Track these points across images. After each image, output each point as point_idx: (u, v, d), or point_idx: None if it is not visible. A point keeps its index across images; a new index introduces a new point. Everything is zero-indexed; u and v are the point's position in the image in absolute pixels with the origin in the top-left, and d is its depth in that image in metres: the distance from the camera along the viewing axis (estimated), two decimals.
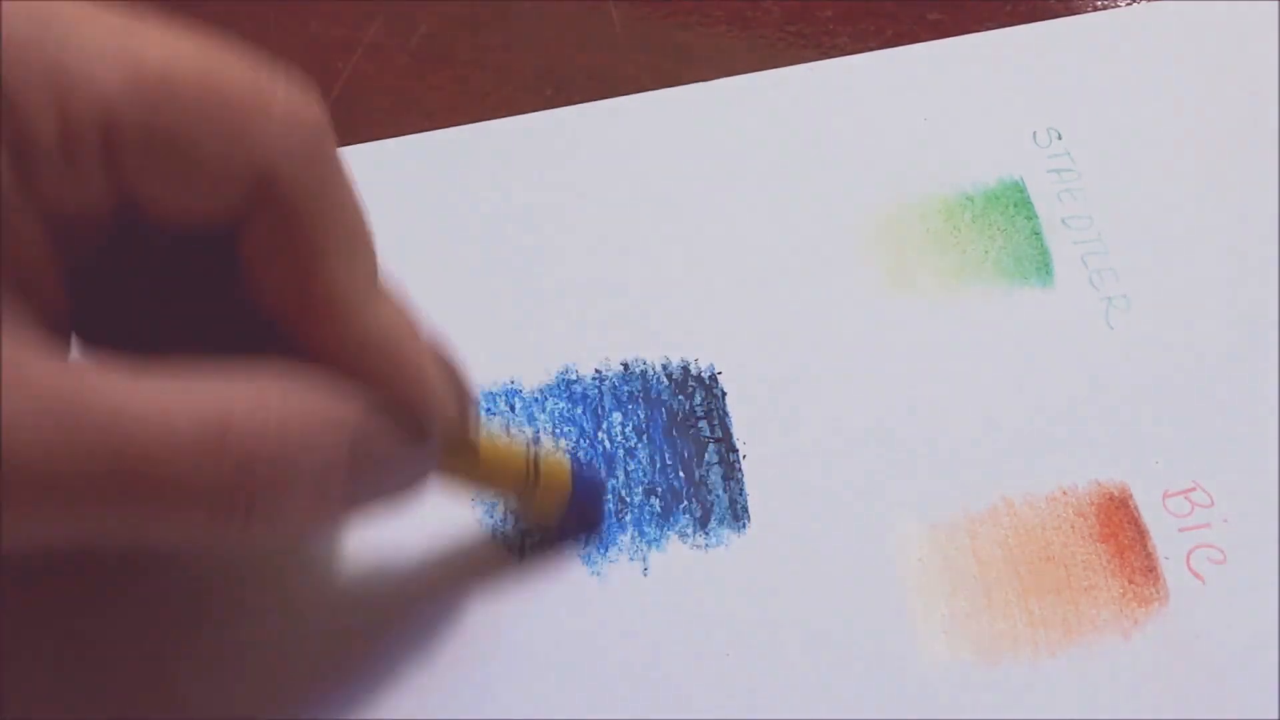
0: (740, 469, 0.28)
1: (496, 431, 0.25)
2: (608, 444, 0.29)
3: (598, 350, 0.30)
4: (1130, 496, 0.27)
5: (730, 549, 0.27)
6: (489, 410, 0.29)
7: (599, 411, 0.29)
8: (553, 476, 0.26)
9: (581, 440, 0.29)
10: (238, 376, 0.20)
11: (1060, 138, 0.33)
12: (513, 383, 0.29)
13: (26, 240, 0.19)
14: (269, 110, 0.20)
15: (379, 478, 0.22)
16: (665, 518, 0.28)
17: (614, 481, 0.28)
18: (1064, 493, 0.28)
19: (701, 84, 0.34)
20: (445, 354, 0.23)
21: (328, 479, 0.21)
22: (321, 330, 0.21)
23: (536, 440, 0.26)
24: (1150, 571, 0.26)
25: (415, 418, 0.22)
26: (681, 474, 0.28)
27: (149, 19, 0.20)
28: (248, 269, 0.21)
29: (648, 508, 0.28)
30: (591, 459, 0.28)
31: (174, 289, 0.23)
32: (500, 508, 0.28)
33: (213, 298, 0.23)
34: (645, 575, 0.27)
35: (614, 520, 0.28)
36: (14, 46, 0.18)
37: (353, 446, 0.21)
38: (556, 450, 0.27)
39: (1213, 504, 0.27)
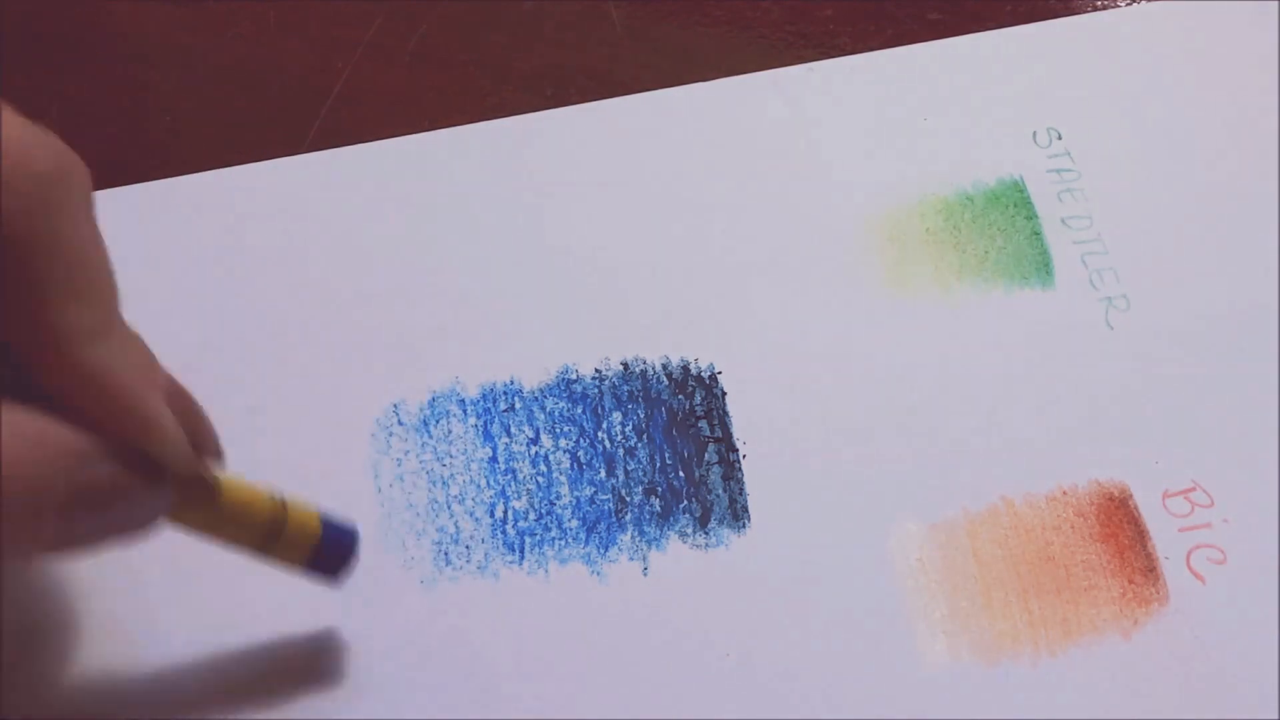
0: (740, 469, 0.28)
1: (242, 481, 0.24)
2: (608, 443, 0.29)
3: (598, 350, 0.30)
4: (1130, 496, 0.27)
5: (730, 549, 0.27)
6: (487, 410, 0.29)
7: (599, 411, 0.29)
8: (300, 527, 0.25)
9: (581, 440, 0.29)
10: None
11: (1060, 138, 0.33)
12: (513, 382, 0.29)
13: None
14: None
15: (103, 516, 0.23)
16: (665, 518, 0.28)
17: (614, 481, 0.28)
18: (1064, 493, 0.28)
19: (701, 84, 0.34)
20: (187, 398, 0.24)
21: (40, 510, 0.21)
22: (49, 367, 0.22)
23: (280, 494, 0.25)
24: (1150, 571, 0.26)
25: (143, 457, 0.23)
26: (681, 474, 0.28)
27: None
28: None
29: (648, 507, 0.28)
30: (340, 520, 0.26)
31: None
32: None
33: None
34: (645, 575, 0.27)
35: (614, 520, 0.28)
36: None
37: (69, 480, 0.22)
38: (305, 504, 0.25)
39: (1213, 504, 0.27)
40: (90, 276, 0.23)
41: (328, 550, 0.25)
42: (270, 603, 0.26)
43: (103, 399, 0.22)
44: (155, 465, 0.23)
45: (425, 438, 0.29)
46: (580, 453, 0.29)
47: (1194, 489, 0.27)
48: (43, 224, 0.22)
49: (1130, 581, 0.26)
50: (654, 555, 0.27)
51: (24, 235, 0.21)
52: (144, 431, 0.23)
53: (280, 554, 0.25)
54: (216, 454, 0.25)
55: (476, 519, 0.28)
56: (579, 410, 0.29)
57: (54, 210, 0.22)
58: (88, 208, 0.22)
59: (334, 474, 0.28)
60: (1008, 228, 0.32)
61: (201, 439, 0.24)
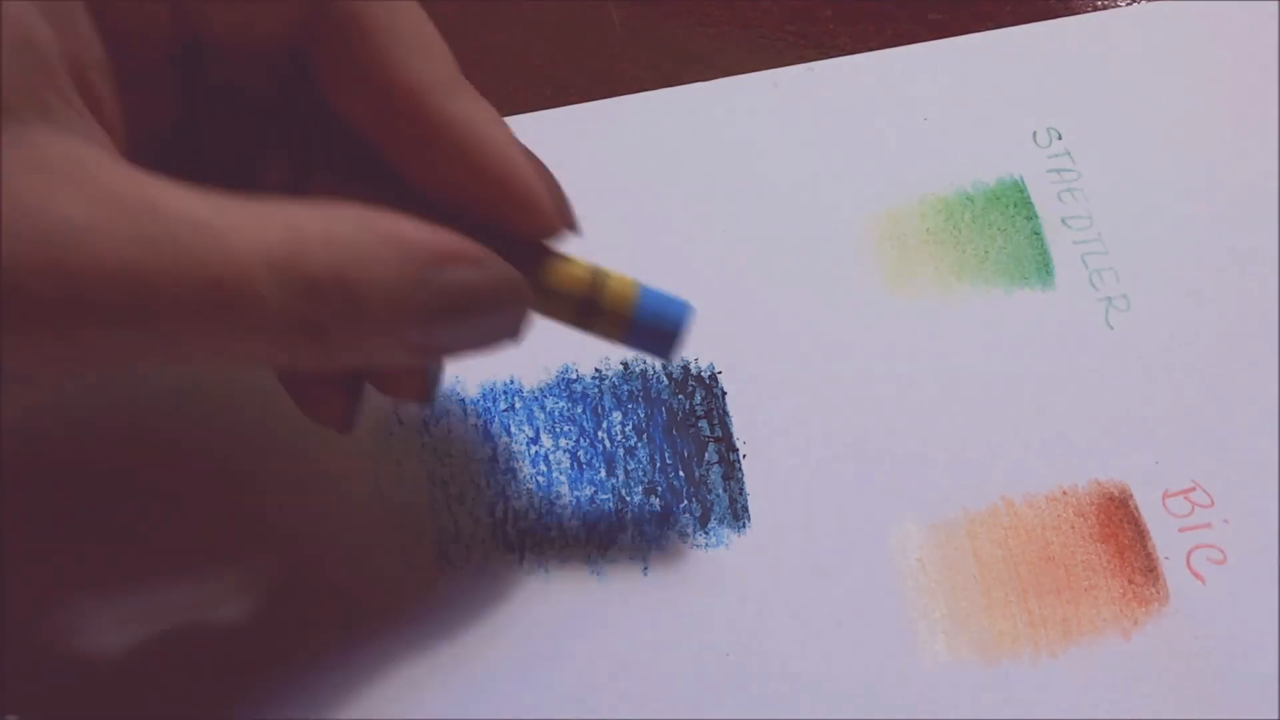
0: (740, 469, 0.28)
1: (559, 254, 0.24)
2: (608, 443, 0.29)
3: (598, 349, 0.30)
4: (1130, 496, 0.27)
5: (730, 549, 0.27)
6: (487, 410, 0.29)
7: (599, 410, 0.29)
8: (617, 298, 0.24)
9: (582, 439, 0.29)
10: (311, 208, 0.20)
11: (1060, 138, 0.33)
12: (513, 381, 0.29)
13: (91, 59, 0.19)
14: None
15: (464, 326, 0.22)
16: (665, 517, 0.28)
17: (614, 481, 0.28)
18: (1064, 493, 0.28)
19: (701, 84, 0.34)
20: (537, 159, 0.23)
21: (403, 311, 0.20)
22: (406, 129, 0.21)
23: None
24: (1150, 571, 0.26)
25: (506, 248, 0.22)
26: (681, 473, 0.28)
27: None
28: (324, 82, 0.21)
29: (648, 507, 0.28)
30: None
31: (248, 125, 0.23)
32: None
33: (287, 133, 0.22)
34: (645, 575, 0.27)
35: (614, 520, 0.28)
36: None
37: (429, 288, 0.21)
38: (623, 277, 0.24)
39: (1213, 504, 0.27)
40: (431, 32, 0.22)
41: (645, 323, 0.24)
42: (270, 604, 0.26)
43: (472, 158, 0.21)
44: (517, 257, 0.22)
45: (425, 437, 0.29)
46: (580, 452, 0.29)
47: (1194, 489, 0.27)
48: None
49: (1130, 581, 0.26)
50: (654, 555, 0.27)
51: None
52: (516, 194, 0.22)
53: (598, 328, 0.24)
54: (573, 227, 0.23)
55: (476, 519, 0.28)
56: (579, 410, 0.29)
57: None
58: None
59: (334, 474, 0.28)
60: (1008, 228, 0.32)
61: (561, 206, 0.23)
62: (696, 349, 0.30)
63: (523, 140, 0.33)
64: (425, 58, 0.21)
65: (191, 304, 0.19)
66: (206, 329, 0.19)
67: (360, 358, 0.21)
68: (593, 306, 0.23)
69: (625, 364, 0.30)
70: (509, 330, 0.22)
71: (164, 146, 0.22)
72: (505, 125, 0.22)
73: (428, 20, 0.22)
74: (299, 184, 0.22)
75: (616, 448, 0.29)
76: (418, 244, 0.21)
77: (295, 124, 0.22)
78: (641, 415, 0.29)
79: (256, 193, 0.20)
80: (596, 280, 0.23)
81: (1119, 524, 0.27)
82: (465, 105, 0.21)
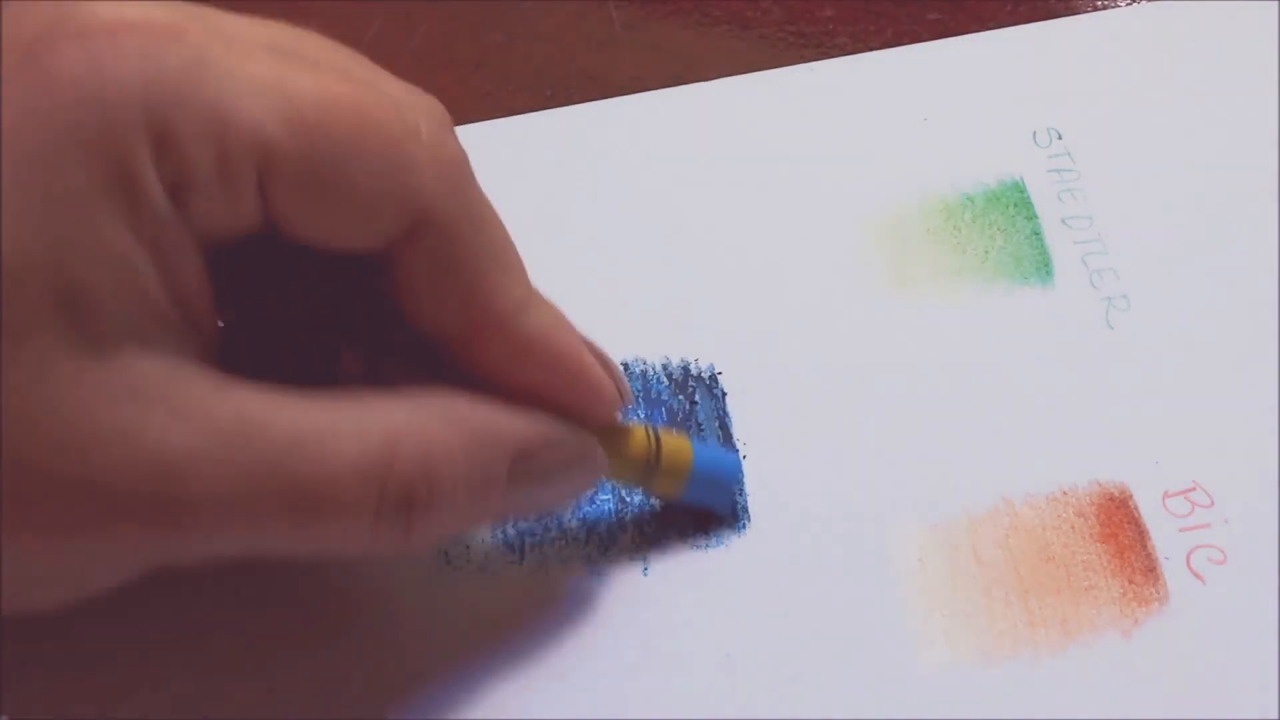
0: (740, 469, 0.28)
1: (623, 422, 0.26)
2: None
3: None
4: (1130, 496, 0.27)
5: (730, 549, 0.27)
6: None
7: None
8: (674, 455, 0.26)
9: None
10: (400, 403, 0.21)
11: (1060, 138, 0.33)
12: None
13: (187, 272, 0.20)
14: (418, 144, 0.21)
15: (543, 491, 0.23)
16: (665, 518, 0.28)
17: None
18: (1064, 493, 0.28)
19: (701, 84, 0.34)
20: (598, 349, 0.24)
21: (485, 499, 0.22)
22: (488, 344, 0.22)
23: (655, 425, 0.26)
24: (1150, 571, 0.26)
25: (583, 422, 0.24)
26: None
27: (299, 55, 0.20)
28: (404, 293, 0.22)
29: (648, 507, 0.28)
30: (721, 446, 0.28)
31: (323, 309, 0.23)
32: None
33: (361, 318, 0.23)
34: (645, 575, 0.27)
35: (614, 520, 0.28)
36: (173, 85, 0.19)
37: (513, 465, 0.22)
38: (676, 433, 0.26)
39: (1213, 504, 0.27)
40: (509, 246, 0.23)
41: (702, 478, 0.26)
42: (271, 602, 0.27)
43: (548, 367, 0.23)
44: (589, 431, 0.24)
45: None
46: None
47: (1194, 489, 0.27)
48: (466, 203, 0.22)
49: (1130, 581, 0.26)
50: (654, 555, 0.27)
51: (452, 218, 0.21)
52: (589, 395, 0.23)
53: (658, 486, 0.26)
54: (631, 401, 0.25)
55: None
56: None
57: (470, 185, 0.22)
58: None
59: None
60: (1008, 228, 0.32)
61: (622, 389, 0.24)
62: (696, 349, 0.30)
63: (522, 140, 0.34)
64: (509, 278, 0.22)
65: (281, 519, 0.20)
66: (295, 537, 0.20)
67: (439, 538, 0.23)
68: (654, 467, 0.26)
69: (625, 364, 0.30)
70: (586, 489, 0.25)
71: (254, 340, 0.23)
72: (573, 328, 0.24)
73: (506, 233, 0.23)
74: (374, 375, 0.23)
75: None
76: (507, 435, 0.22)
77: (369, 318, 0.23)
78: (641, 416, 0.29)
79: (338, 385, 0.21)
80: (655, 442, 0.26)
81: (1119, 524, 0.27)
82: (541, 319, 0.23)
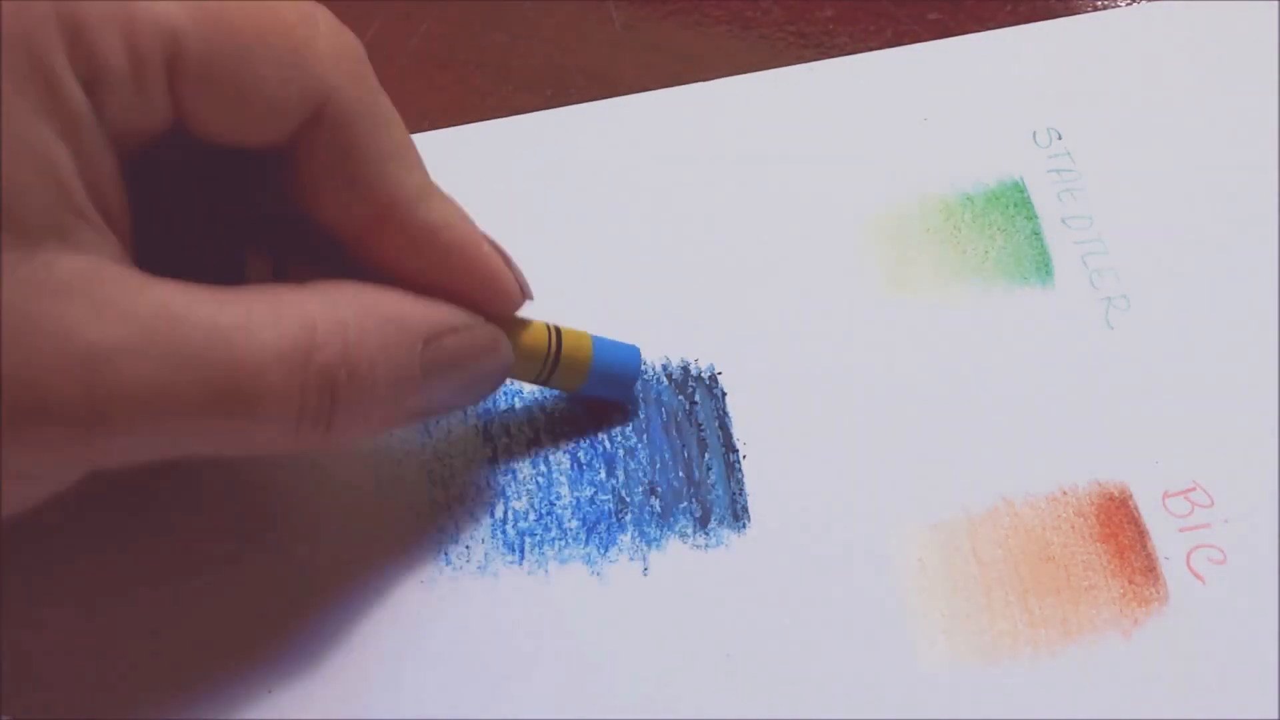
0: (740, 469, 0.28)
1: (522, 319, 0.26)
2: (607, 444, 0.29)
3: None
4: (1130, 496, 0.27)
5: (730, 549, 0.27)
6: (487, 411, 0.29)
7: (599, 411, 0.29)
8: (575, 348, 0.27)
9: (582, 440, 0.29)
10: (313, 294, 0.21)
11: (1060, 138, 0.33)
12: (513, 382, 0.29)
13: (104, 170, 0.20)
14: (317, 34, 0.21)
15: (457, 383, 0.24)
16: (665, 518, 0.28)
17: (614, 481, 0.28)
18: (1064, 493, 0.28)
19: (701, 84, 0.34)
20: (498, 245, 0.25)
21: (404, 384, 0.22)
22: (388, 233, 0.23)
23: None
24: (1150, 571, 0.26)
25: (487, 312, 0.24)
26: (681, 474, 0.28)
27: None
28: (307, 185, 0.22)
29: (648, 508, 0.28)
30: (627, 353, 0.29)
31: (229, 212, 0.23)
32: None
33: (266, 220, 0.23)
34: (645, 575, 0.27)
35: (614, 520, 0.28)
36: None
37: (426, 353, 0.23)
38: (577, 329, 0.27)
39: (1213, 504, 0.27)
40: (407, 138, 0.23)
41: (602, 371, 0.27)
42: (270, 602, 0.27)
43: (449, 254, 0.23)
44: (495, 321, 0.24)
45: (425, 438, 0.29)
46: (580, 453, 0.29)
47: (1194, 489, 0.27)
48: (365, 92, 0.22)
49: (1130, 581, 0.26)
50: (654, 555, 0.27)
51: (351, 106, 0.22)
52: (490, 284, 0.24)
53: (559, 379, 0.27)
54: (531, 296, 0.26)
55: (476, 519, 0.28)
56: (579, 410, 0.29)
57: (368, 74, 0.23)
58: None
59: (334, 474, 0.28)
60: (1008, 228, 0.32)
61: (522, 283, 0.25)
62: (696, 350, 0.30)
63: (522, 140, 0.34)
64: (407, 167, 0.23)
65: (209, 409, 0.20)
66: (223, 429, 0.20)
67: (361, 431, 0.22)
68: (555, 361, 0.26)
69: None
70: (495, 381, 0.25)
71: (161, 244, 0.22)
72: (471, 220, 0.24)
73: (403, 126, 0.23)
74: (281, 275, 0.23)
75: (616, 448, 0.29)
76: (418, 321, 0.23)
77: (274, 218, 0.24)
78: (641, 416, 0.29)
79: (247, 285, 0.21)
80: (555, 337, 0.26)
81: (1119, 524, 0.27)
82: (440, 208, 0.23)
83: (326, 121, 0.22)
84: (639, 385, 0.29)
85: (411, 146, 0.23)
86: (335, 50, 0.22)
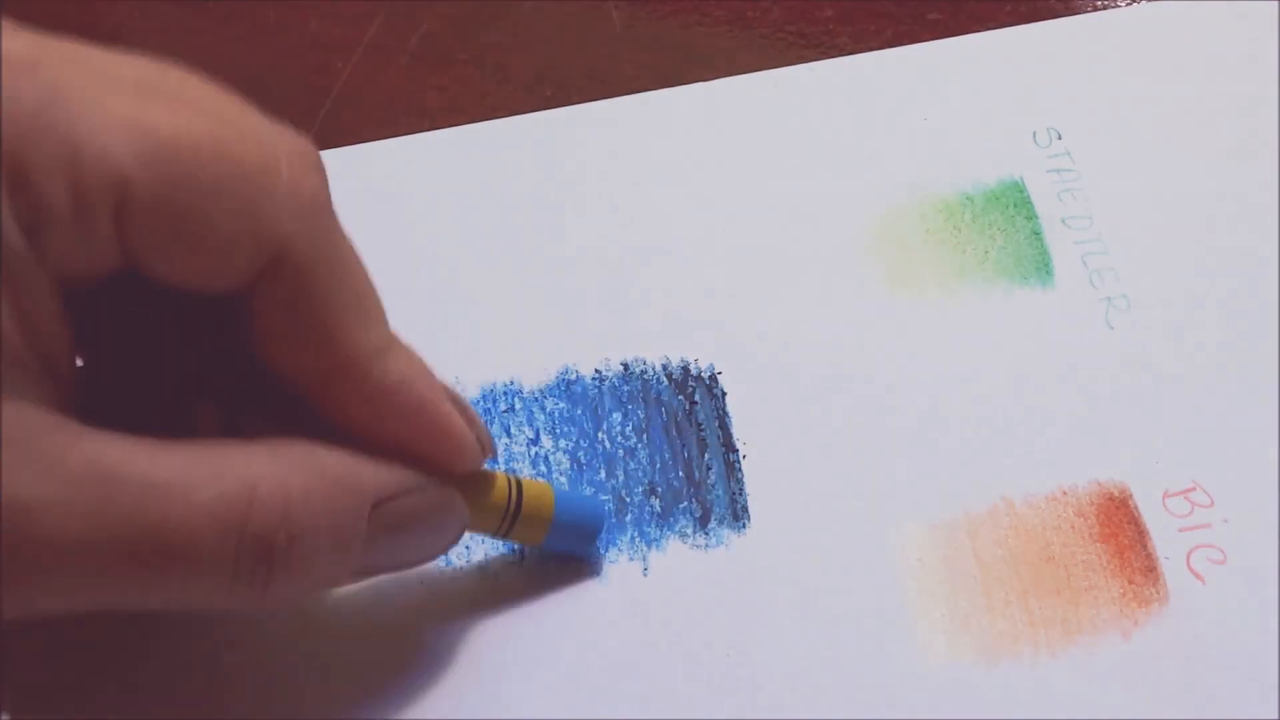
0: (740, 469, 0.28)
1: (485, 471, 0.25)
2: (607, 444, 0.29)
3: (598, 350, 0.30)
4: (1130, 496, 0.27)
5: (730, 549, 0.27)
6: (487, 411, 0.29)
7: (599, 411, 0.29)
8: (536, 503, 0.26)
9: (581, 441, 0.29)
10: (258, 452, 0.21)
11: (1060, 138, 0.33)
12: (513, 383, 0.29)
13: (43, 313, 0.19)
14: (276, 182, 0.20)
15: (404, 543, 0.23)
16: (665, 518, 0.28)
17: (614, 482, 0.28)
18: (1064, 493, 0.28)
19: (701, 84, 0.34)
20: (459, 399, 0.24)
21: (349, 547, 0.22)
22: (343, 389, 0.22)
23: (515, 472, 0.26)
24: (1150, 571, 0.26)
25: (443, 472, 0.23)
26: (681, 474, 0.28)
27: (159, 91, 0.20)
28: (261, 334, 0.21)
29: (648, 508, 0.28)
30: (588, 490, 0.28)
31: (180, 354, 0.23)
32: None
33: (218, 364, 0.23)
34: (645, 575, 0.27)
35: (614, 520, 0.28)
36: (25, 118, 0.18)
37: (374, 516, 0.22)
38: (538, 480, 0.26)
39: (1213, 504, 0.27)
40: (369, 291, 0.22)
41: (564, 526, 0.26)
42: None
43: (406, 416, 0.22)
44: (450, 481, 0.23)
45: None
46: (580, 454, 0.29)
47: (1194, 489, 0.27)
48: (326, 249, 0.21)
49: (1130, 581, 0.26)
50: (654, 555, 0.27)
51: (309, 258, 0.21)
52: (449, 445, 0.23)
53: (519, 534, 0.26)
54: (493, 453, 0.25)
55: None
56: (579, 411, 0.29)
57: (330, 226, 0.22)
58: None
59: None
60: (1008, 228, 0.32)
61: (483, 440, 0.24)
62: (696, 349, 0.30)
63: (522, 140, 0.34)
64: (366, 323, 0.22)
65: (135, 569, 0.19)
66: (152, 588, 0.20)
67: (304, 592, 0.22)
68: (515, 515, 0.25)
69: (625, 365, 0.30)
70: (449, 541, 0.24)
71: (109, 387, 0.22)
72: (434, 377, 0.23)
73: (367, 277, 0.22)
74: (232, 426, 0.22)
75: (616, 449, 0.29)
76: (367, 482, 0.22)
77: (226, 367, 0.23)
78: (641, 416, 0.29)
79: (195, 436, 0.20)
80: (515, 491, 0.25)
81: (1119, 524, 0.27)
82: (400, 367, 0.22)
83: (283, 272, 0.21)
84: (602, 539, 0.27)
85: (373, 299, 0.22)
86: (295, 199, 0.21)
